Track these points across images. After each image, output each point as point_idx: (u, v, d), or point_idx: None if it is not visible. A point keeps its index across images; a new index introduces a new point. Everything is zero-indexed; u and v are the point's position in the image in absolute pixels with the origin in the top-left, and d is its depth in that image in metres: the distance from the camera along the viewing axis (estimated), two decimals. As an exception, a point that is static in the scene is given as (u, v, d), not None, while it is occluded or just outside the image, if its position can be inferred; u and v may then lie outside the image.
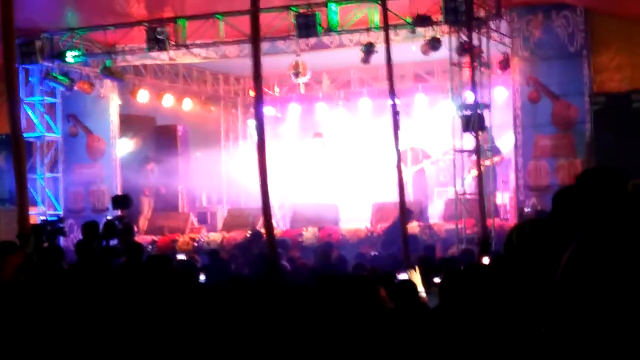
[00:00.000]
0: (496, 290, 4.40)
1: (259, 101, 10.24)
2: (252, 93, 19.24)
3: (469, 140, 15.51)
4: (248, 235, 15.95)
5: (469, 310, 5.44)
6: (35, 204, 17.44)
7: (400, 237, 13.83)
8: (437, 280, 7.45)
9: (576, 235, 3.67)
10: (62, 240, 15.77)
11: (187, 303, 7.25)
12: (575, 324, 3.48)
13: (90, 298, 7.26)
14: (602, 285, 3.45)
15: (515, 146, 16.54)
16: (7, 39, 9.94)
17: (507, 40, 16.61)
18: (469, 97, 15.62)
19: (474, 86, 15.21)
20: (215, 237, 17.57)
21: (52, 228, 11.59)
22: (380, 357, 6.07)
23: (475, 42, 15.24)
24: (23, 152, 10.91)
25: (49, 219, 15.49)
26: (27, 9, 15.21)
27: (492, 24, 15.98)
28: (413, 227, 15.76)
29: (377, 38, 15.65)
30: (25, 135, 12.14)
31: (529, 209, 15.73)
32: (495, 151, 17.37)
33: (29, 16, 15.60)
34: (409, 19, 15.72)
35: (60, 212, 17.89)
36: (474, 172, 15.82)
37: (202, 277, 10.03)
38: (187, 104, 21.63)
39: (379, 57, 14.90)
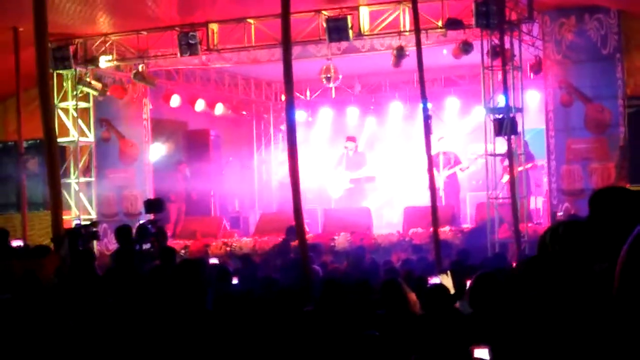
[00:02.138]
0: (527, 294, 4.36)
1: (290, 105, 10.27)
2: (283, 97, 19.27)
3: (501, 145, 15.45)
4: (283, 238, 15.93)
5: (499, 314, 5.42)
6: (68, 208, 17.57)
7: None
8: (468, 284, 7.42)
9: (615, 237, 3.62)
10: (96, 244, 15.92)
11: (220, 306, 7.27)
12: None
13: (123, 301, 7.30)
14: None
15: (548, 150, 16.43)
16: (41, 45, 10.04)
17: (539, 43, 16.52)
18: (501, 101, 15.56)
19: (506, 90, 15.12)
20: (248, 241, 17.58)
21: (86, 232, 11.68)
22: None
23: (507, 45, 15.15)
24: (57, 157, 11.01)
25: (83, 223, 15.61)
26: (60, 14, 15.37)
27: (524, 27, 15.91)
28: (445, 231, 15.71)
29: (409, 42, 15.62)
30: (58, 140, 12.25)
31: (562, 213, 15.62)
32: (529, 157, 17.27)
33: (62, 21, 15.75)
34: (440, 23, 15.69)
35: (94, 217, 17.99)
36: (507, 177, 15.74)
37: (234, 281, 10.05)
38: (219, 109, 21.71)
39: (410, 61, 14.86)
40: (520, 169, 15.95)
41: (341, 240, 16.68)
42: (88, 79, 17.98)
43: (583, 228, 4.14)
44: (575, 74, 16.16)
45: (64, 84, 18.31)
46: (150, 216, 13.28)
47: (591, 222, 4.11)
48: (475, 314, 6.57)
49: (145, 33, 17.29)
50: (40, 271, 8.27)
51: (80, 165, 18.45)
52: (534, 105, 18.44)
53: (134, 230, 11.78)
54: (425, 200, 14.51)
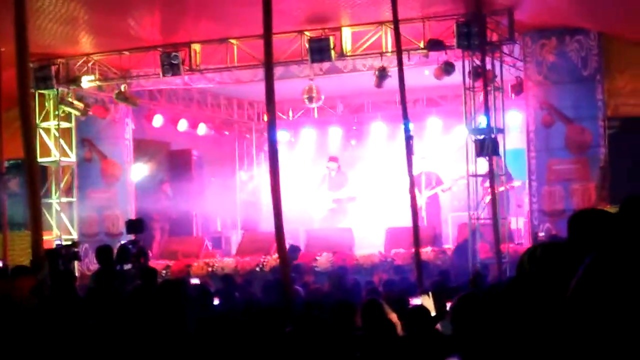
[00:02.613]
0: (509, 315, 4.38)
1: (272, 126, 10.28)
2: (265, 117, 19.31)
3: (482, 165, 15.50)
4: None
5: (480, 335, 5.42)
6: (50, 228, 17.49)
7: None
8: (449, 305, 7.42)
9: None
10: (77, 265, 15.85)
11: (201, 327, 7.25)
12: (586, 340, 3.47)
13: (104, 323, 7.27)
14: (613, 302, 3.43)
15: (529, 170, 16.49)
16: (22, 64, 10.02)
17: (520, 64, 16.62)
18: (483, 121, 15.61)
19: (487, 110, 15.18)
20: (229, 262, 17.54)
21: (67, 252, 11.64)
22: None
23: (488, 66, 15.23)
24: (37, 178, 10.97)
25: (64, 243, 15.55)
26: (42, 34, 15.36)
27: (505, 48, 15.99)
28: (427, 252, 15.72)
29: (390, 62, 15.68)
30: (40, 160, 12.21)
31: (544, 234, 15.66)
32: (509, 177, 17.32)
33: (44, 41, 15.73)
34: (422, 44, 15.77)
35: (75, 237, 17.90)
36: (488, 198, 15.78)
37: (216, 302, 10.01)
38: (202, 129, 21.71)
39: (392, 82, 14.92)
40: (501, 189, 15.98)
41: (323, 261, 16.66)
42: (70, 99, 17.94)
43: (561, 250, 4.17)
44: (556, 94, 16.24)
45: (46, 104, 18.26)
46: (132, 236, 13.26)
47: (570, 244, 4.14)
48: (456, 334, 6.57)
49: (127, 53, 17.32)
50: (15, 292, 8.23)
51: (62, 185, 18.38)
52: (514, 125, 18.50)
53: (115, 251, 11.76)
54: (407, 220, 14.53)
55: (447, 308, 7.75)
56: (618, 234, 3.83)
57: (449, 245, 17.81)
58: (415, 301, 8.75)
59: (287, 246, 15.36)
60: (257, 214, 22.33)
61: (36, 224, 10.67)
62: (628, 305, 3.41)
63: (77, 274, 15.82)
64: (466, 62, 15.54)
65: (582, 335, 3.47)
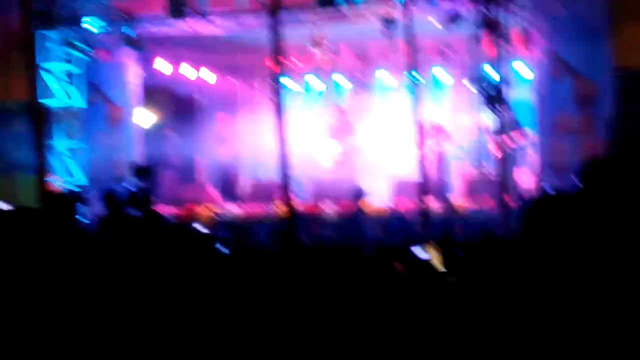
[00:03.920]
0: (516, 266, 4.38)
1: (277, 72, 10.24)
2: (271, 64, 19.20)
3: (490, 117, 15.46)
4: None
5: (490, 285, 5.44)
6: (55, 172, 17.49)
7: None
8: (455, 257, 7.44)
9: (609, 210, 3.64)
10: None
11: (206, 271, 7.28)
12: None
13: (111, 265, 7.29)
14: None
15: (536, 124, 16.45)
16: (26, 5, 9.94)
17: (528, 15, 16.48)
18: (490, 72, 15.54)
19: (494, 61, 15.10)
20: (234, 209, 17.58)
21: (73, 196, 11.64)
22: (396, 328, 6.09)
23: (496, 17, 15.11)
24: (42, 120, 10.95)
25: (71, 187, 15.55)
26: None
27: (513, -1, 15.87)
28: (433, 204, 15.72)
29: (398, 11, 15.56)
30: (44, 102, 12.13)
31: (550, 187, 15.65)
32: (518, 127, 17.23)
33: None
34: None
35: (82, 181, 17.91)
36: (496, 149, 15.74)
37: (222, 249, 10.04)
38: (206, 74, 21.62)
39: (399, 31, 14.83)
40: (509, 140, 15.94)
41: (329, 210, 16.69)
42: (74, 42, 17.83)
43: (571, 200, 4.14)
44: (563, 47, 16.14)
45: (47, 45, 18.14)
46: (138, 181, 13.26)
47: (582, 194, 4.09)
48: (461, 283, 6.60)
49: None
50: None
51: (68, 129, 18.34)
52: (521, 77, 18.41)
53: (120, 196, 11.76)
54: (413, 172, 14.53)
55: (452, 258, 7.78)
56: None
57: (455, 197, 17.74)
58: (417, 250, 8.77)
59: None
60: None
61: (41, 166, 10.68)
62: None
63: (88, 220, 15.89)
64: (474, 12, 15.43)
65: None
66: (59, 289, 6.44)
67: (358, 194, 16.01)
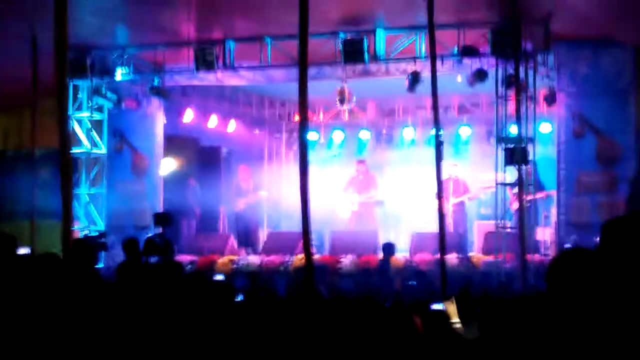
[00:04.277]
0: (536, 322, 4.37)
1: (303, 126, 10.31)
2: (297, 118, 19.32)
3: (513, 175, 15.50)
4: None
5: (510, 342, 5.42)
6: (78, 219, 17.62)
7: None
8: (473, 312, 7.42)
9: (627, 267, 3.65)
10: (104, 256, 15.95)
11: (223, 321, 7.29)
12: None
13: (127, 312, 7.31)
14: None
15: (558, 182, 16.45)
16: (60, 54, 10.09)
17: (553, 74, 16.56)
18: (514, 130, 15.60)
19: (518, 119, 15.18)
20: (255, 259, 17.58)
21: (94, 243, 11.73)
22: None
23: (521, 75, 15.21)
24: (70, 168, 11.04)
25: (92, 234, 15.66)
26: (80, 26, 15.46)
27: (539, 58, 15.94)
28: (452, 258, 15.69)
29: (424, 67, 15.68)
30: (71, 150, 12.22)
31: (570, 245, 15.60)
32: (539, 186, 17.24)
33: (81, 33, 15.84)
34: (455, 50, 15.75)
35: (103, 228, 18.02)
36: (516, 206, 15.74)
37: (239, 298, 10.05)
38: (232, 126, 21.80)
39: (424, 87, 14.92)
40: (530, 198, 15.94)
41: (347, 263, 16.67)
42: (104, 91, 18.08)
43: (592, 257, 4.15)
44: (588, 106, 16.19)
45: (79, 95, 18.42)
46: (159, 230, 13.32)
47: (602, 251, 4.10)
48: (482, 338, 6.57)
49: (162, 47, 17.41)
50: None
51: (92, 176, 18.53)
52: (545, 136, 18.44)
53: (141, 244, 11.82)
54: (433, 226, 14.52)
55: (471, 314, 7.76)
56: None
57: (474, 253, 17.72)
58: (437, 306, 8.75)
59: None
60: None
61: (67, 214, 10.74)
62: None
63: (103, 265, 15.95)
64: (499, 70, 15.53)
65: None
66: (75, 335, 6.47)
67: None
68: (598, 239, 4.20)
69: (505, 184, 15.79)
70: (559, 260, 4.47)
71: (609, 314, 3.69)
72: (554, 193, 17.10)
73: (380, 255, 16.31)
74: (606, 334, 3.67)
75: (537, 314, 4.52)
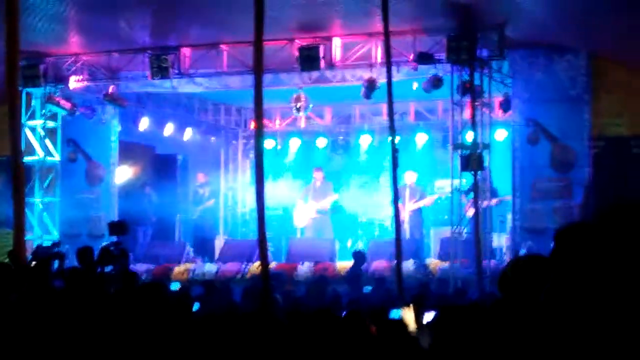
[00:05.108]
0: (491, 329, 4.38)
1: (259, 133, 10.26)
2: (252, 125, 19.26)
3: (469, 180, 15.54)
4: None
5: (462, 349, 5.41)
6: (32, 228, 17.41)
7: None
8: (428, 318, 7.41)
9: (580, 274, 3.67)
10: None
11: (179, 331, 7.22)
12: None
13: (82, 322, 7.22)
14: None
15: (514, 188, 16.53)
16: (11, 62, 9.96)
17: (508, 81, 16.66)
18: (469, 136, 15.66)
19: (474, 126, 15.24)
20: (211, 268, 17.49)
21: (48, 252, 11.57)
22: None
23: (476, 81, 15.29)
24: (22, 176, 10.89)
25: (45, 243, 15.46)
26: (32, 33, 15.30)
27: (494, 65, 16.02)
28: (408, 264, 15.70)
29: (379, 74, 15.70)
30: (24, 158, 12.09)
31: (525, 251, 15.68)
32: (493, 193, 17.32)
33: (33, 39, 15.67)
34: (411, 57, 15.78)
35: (57, 237, 17.81)
36: (471, 212, 15.79)
37: (195, 307, 9.97)
38: (188, 134, 21.67)
39: (380, 94, 14.94)
40: (485, 204, 15.99)
41: (304, 270, 16.63)
42: (57, 99, 17.88)
43: (544, 263, 4.17)
44: (542, 113, 16.30)
45: (33, 103, 18.22)
46: (114, 239, 13.16)
47: (555, 258, 4.12)
48: (435, 346, 6.56)
49: (116, 54, 17.27)
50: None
51: (46, 184, 18.32)
52: (500, 141, 18.53)
53: (96, 253, 11.68)
54: (389, 233, 14.54)
55: (426, 320, 7.75)
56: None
57: (430, 259, 17.74)
58: (395, 313, 8.74)
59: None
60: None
61: (19, 223, 10.60)
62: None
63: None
64: (455, 77, 15.58)
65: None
66: (24, 344, 6.37)
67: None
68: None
69: (460, 191, 15.83)
70: (509, 269, 4.48)
71: (562, 320, 3.69)
72: (508, 198, 17.19)
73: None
74: (559, 339, 3.67)
75: (492, 321, 4.52)
